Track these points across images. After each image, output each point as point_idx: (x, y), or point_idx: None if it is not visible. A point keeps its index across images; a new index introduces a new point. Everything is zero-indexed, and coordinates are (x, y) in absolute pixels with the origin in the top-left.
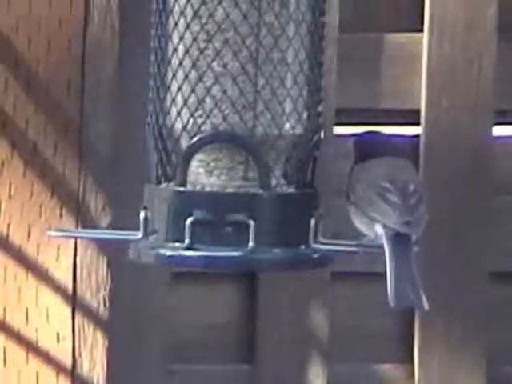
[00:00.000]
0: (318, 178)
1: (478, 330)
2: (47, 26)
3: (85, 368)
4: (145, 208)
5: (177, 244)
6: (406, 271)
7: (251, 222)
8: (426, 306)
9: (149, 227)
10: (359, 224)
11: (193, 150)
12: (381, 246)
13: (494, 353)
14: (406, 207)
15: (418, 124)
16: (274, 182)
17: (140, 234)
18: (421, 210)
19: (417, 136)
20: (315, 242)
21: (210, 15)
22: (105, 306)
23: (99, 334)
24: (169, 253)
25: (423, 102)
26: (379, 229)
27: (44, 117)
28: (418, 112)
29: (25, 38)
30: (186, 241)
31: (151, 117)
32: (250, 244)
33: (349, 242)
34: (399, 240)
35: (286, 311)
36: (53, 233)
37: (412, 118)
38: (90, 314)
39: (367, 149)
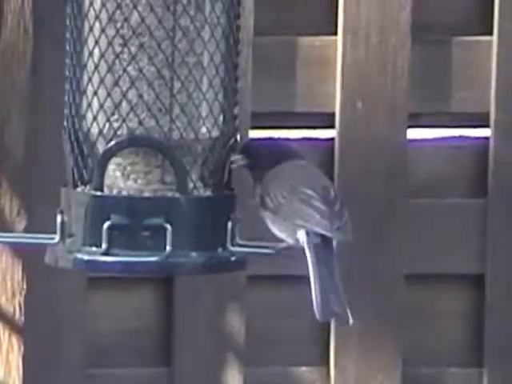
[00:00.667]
0: (234, 181)
1: (394, 331)
2: None
3: (0, 373)
4: (61, 212)
5: (94, 248)
6: (330, 282)
7: (168, 226)
8: (350, 320)
9: (66, 231)
10: (278, 231)
11: (109, 155)
12: (299, 249)
13: (409, 354)
14: (332, 213)
15: (332, 127)
16: (190, 185)
17: (57, 238)
18: (345, 215)
19: (331, 139)
20: (232, 245)
21: (125, 19)
22: (20, 311)
23: (14, 340)
24: (86, 257)
25: (338, 105)
26: (302, 235)
27: None
28: (332, 115)
29: None
30: (103, 245)
31: (67, 120)
32: (168, 248)
33: (266, 244)
34: (322, 248)
35: (203, 315)
36: None
37: (327, 121)
38: (6, 319)
39: (263, 153)
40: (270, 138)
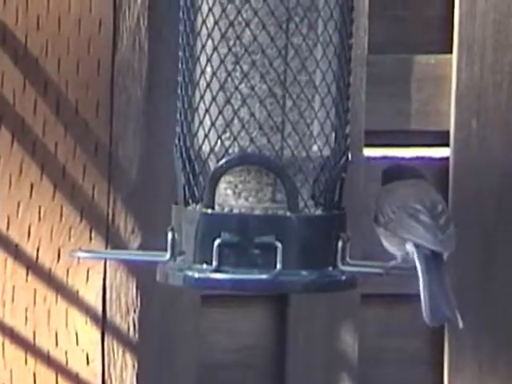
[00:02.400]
0: (346, 200)
1: (508, 350)
2: (76, 46)
3: None
4: (172, 229)
5: (204, 266)
6: (439, 289)
7: (279, 245)
8: (460, 324)
9: (176, 249)
10: (389, 245)
11: (220, 172)
12: (410, 268)
13: None
14: (437, 226)
15: (447, 145)
16: (301, 204)
17: (167, 256)
18: (451, 228)
19: (446, 158)
20: (343, 264)
21: (238, 37)
22: (134, 328)
23: (129, 357)
24: (196, 275)
25: (452, 124)
26: (410, 247)
27: (73, 139)
28: (447, 133)
29: (54, 59)
30: (214, 263)
31: (179, 138)
32: (278, 266)
33: (376, 264)
34: (431, 258)
35: (317, 333)
36: (81, 254)
37: (441, 139)
38: (120, 337)
39: (392, 175)
40: (385, 157)
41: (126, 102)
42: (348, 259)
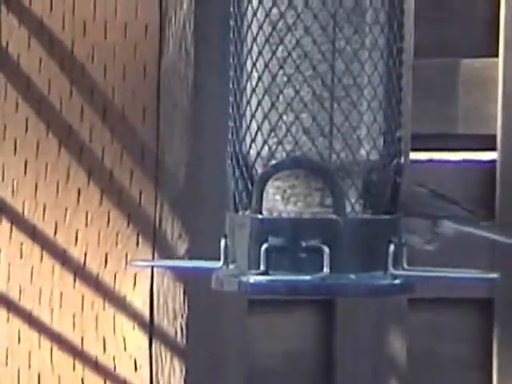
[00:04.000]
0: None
1: None
2: (122, 52)
3: None
4: (225, 236)
5: (254, 271)
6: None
7: (325, 248)
8: None
9: (229, 255)
10: None
11: (267, 177)
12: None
13: None
14: None
15: (494, 149)
16: (348, 207)
17: (220, 263)
18: None
19: (493, 161)
20: (396, 269)
21: (281, 41)
22: (182, 333)
23: (176, 362)
24: (251, 280)
25: (499, 127)
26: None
27: (120, 144)
28: (494, 137)
29: (100, 65)
30: (261, 267)
31: (229, 144)
32: (325, 270)
33: (430, 269)
34: None
35: (364, 338)
36: (133, 263)
37: (488, 143)
38: (167, 342)
39: None
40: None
41: (172, 107)
42: (405, 264)
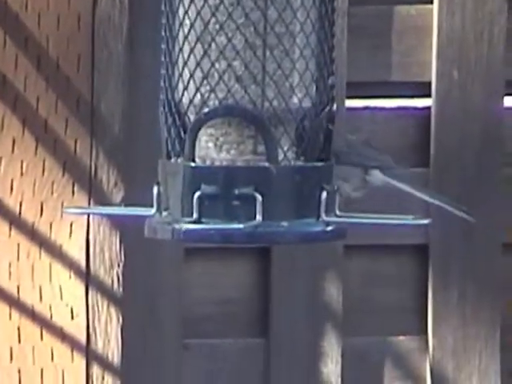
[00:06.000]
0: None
1: (492, 299)
2: (56, 1)
3: (99, 344)
4: (157, 183)
5: (188, 219)
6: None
7: (258, 196)
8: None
9: (162, 203)
10: None
11: (199, 124)
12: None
13: (508, 321)
14: None
15: (428, 96)
16: (281, 155)
17: (153, 210)
18: None
19: (428, 108)
20: (328, 216)
21: None
22: (118, 282)
23: (113, 311)
24: (184, 228)
25: (434, 74)
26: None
27: (55, 93)
28: (428, 84)
29: (34, 14)
30: (194, 215)
31: (162, 92)
32: (257, 218)
33: (363, 215)
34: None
35: (300, 285)
36: (73, 210)
37: (423, 90)
38: (104, 291)
39: None
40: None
41: (107, 56)
42: (337, 211)
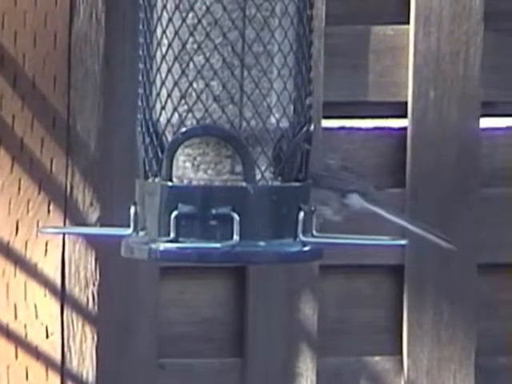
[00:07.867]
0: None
1: (467, 320)
2: (33, 20)
3: (74, 363)
4: (134, 203)
5: (164, 238)
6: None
7: (235, 216)
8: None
9: (139, 223)
10: None
11: (177, 144)
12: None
13: (483, 343)
14: None
15: (405, 116)
16: (258, 175)
17: (130, 230)
18: None
19: (404, 128)
20: (305, 236)
21: (191, 8)
22: (94, 301)
23: (88, 329)
24: (161, 247)
25: (410, 95)
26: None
27: (31, 112)
28: (405, 104)
29: (10, 32)
30: (172, 234)
31: (139, 111)
32: (235, 237)
33: (340, 236)
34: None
35: (275, 304)
36: (43, 230)
37: (399, 110)
38: (79, 310)
39: None
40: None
41: (83, 75)
42: (314, 231)
